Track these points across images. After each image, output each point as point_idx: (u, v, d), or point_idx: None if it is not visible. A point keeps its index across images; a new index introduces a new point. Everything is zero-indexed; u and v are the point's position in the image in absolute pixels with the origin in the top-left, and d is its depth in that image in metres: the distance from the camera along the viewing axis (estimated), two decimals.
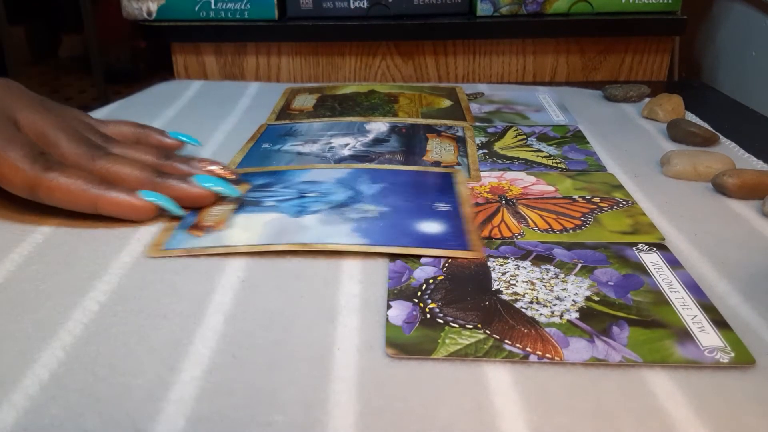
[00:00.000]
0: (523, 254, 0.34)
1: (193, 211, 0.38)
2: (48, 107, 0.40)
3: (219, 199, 0.39)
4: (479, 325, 0.28)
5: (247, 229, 0.36)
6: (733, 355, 0.26)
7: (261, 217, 0.37)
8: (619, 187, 0.42)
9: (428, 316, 0.29)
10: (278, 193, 0.40)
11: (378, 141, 0.50)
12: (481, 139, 0.51)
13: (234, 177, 0.41)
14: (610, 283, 0.31)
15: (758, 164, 0.46)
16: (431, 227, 0.36)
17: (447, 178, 0.43)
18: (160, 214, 0.38)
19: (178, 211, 0.37)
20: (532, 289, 0.31)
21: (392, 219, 0.37)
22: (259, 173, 0.44)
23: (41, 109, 0.39)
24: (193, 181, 0.38)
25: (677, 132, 0.50)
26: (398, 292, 0.31)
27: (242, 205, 0.39)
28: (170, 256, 0.34)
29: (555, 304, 0.29)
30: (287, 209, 0.38)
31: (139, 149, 0.41)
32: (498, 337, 0.27)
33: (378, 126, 0.53)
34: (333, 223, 0.36)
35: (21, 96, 0.39)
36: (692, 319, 0.28)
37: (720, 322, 0.28)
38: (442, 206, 0.38)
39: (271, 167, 0.45)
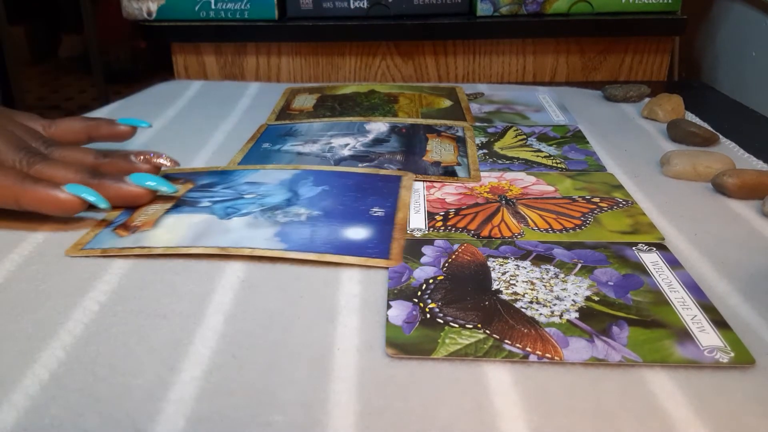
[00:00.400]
0: (523, 254, 0.34)
1: (126, 210, 0.38)
2: None
3: (157, 197, 0.39)
4: (479, 325, 0.28)
5: (171, 230, 0.36)
6: (732, 355, 0.26)
7: (189, 218, 0.37)
8: (619, 187, 0.42)
9: (428, 316, 0.29)
10: (218, 193, 0.40)
11: (378, 141, 0.50)
12: (481, 139, 0.51)
13: (175, 165, 0.42)
14: (609, 283, 0.31)
15: (758, 164, 0.46)
16: (358, 233, 0.35)
17: (393, 182, 0.42)
18: (97, 212, 0.38)
19: (103, 203, 0.36)
20: (531, 289, 0.31)
21: (320, 224, 0.36)
22: (206, 173, 0.44)
23: None
24: (128, 179, 0.38)
25: (677, 132, 0.50)
26: (398, 292, 0.31)
27: (178, 205, 0.39)
28: (87, 256, 0.34)
29: (555, 304, 0.29)
30: (218, 210, 0.38)
31: (79, 151, 0.41)
32: (498, 336, 0.27)
33: (378, 126, 0.53)
34: (258, 227, 0.36)
35: None
36: (692, 319, 0.28)
37: (720, 322, 0.28)
38: (378, 211, 0.38)
39: (220, 167, 0.45)
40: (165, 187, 0.38)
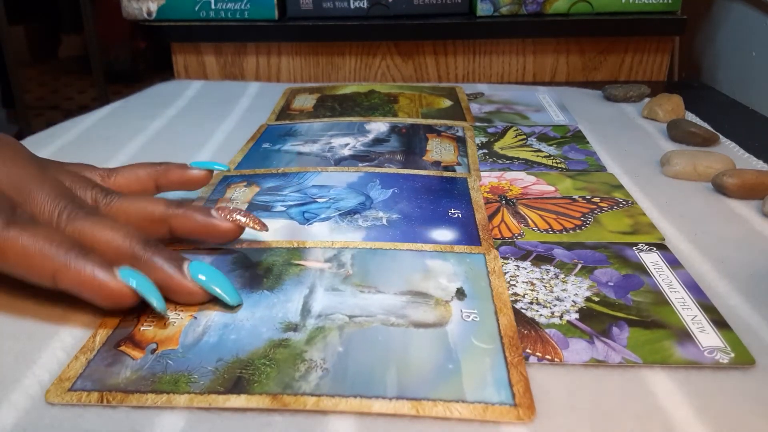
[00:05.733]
0: (523, 254, 0.34)
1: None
2: (39, 162, 0.33)
3: (233, 199, 0.39)
4: None
5: (255, 236, 0.35)
6: (733, 355, 0.26)
7: (271, 224, 0.36)
8: (619, 187, 0.42)
9: None
10: (288, 197, 0.40)
11: (378, 141, 0.50)
12: (481, 139, 0.51)
13: (264, 230, 0.34)
14: (610, 284, 0.31)
15: (758, 164, 0.46)
16: (443, 235, 0.35)
17: (460, 184, 0.42)
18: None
19: (161, 306, 0.28)
20: (531, 290, 0.31)
21: (403, 227, 0.36)
22: (268, 175, 0.44)
23: (25, 163, 0.32)
24: (186, 271, 0.29)
25: (677, 132, 0.50)
26: None
27: (251, 210, 0.38)
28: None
29: (555, 305, 0.29)
30: (296, 215, 0.38)
31: (147, 200, 0.33)
32: None
33: (378, 126, 0.53)
34: (343, 232, 0.36)
35: (10, 151, 0.33)
36: (692, 320, 0.28)
37: (720, 323, 0.28)
38: (455, 213, 0.38)
39: (280, 168, 0.45)
40: (229, 297, 0.29)
